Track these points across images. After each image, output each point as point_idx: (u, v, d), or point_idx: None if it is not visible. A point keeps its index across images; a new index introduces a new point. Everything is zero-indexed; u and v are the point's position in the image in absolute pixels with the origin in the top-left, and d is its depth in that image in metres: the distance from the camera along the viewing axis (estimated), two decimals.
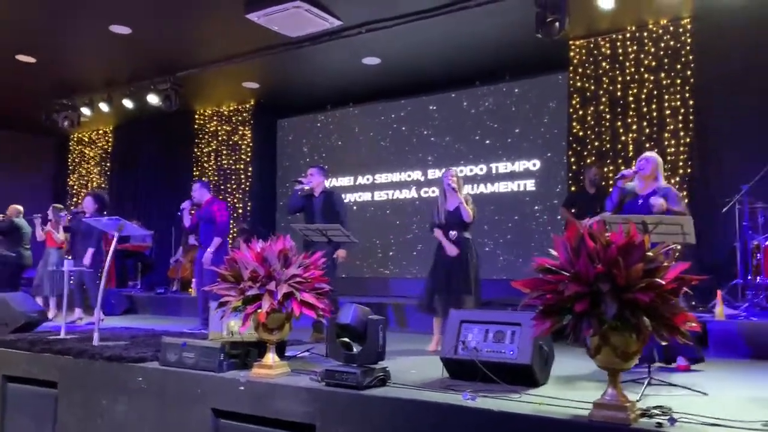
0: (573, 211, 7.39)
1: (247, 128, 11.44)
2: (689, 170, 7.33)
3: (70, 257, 7.15)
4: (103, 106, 10.63)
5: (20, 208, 9.07)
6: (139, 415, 4.19)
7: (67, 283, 6.09)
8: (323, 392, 3.50)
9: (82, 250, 7.52)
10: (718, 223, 6.82)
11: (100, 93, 10.58)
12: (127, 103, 10.40)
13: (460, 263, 5.47)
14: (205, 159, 11.80)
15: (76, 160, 14.01)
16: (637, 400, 3.10)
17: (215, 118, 11.78)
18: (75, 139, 14.01)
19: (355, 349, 3.62)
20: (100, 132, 13.56)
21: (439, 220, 5.66)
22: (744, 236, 6.32)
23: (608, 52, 8.01)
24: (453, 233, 5.54)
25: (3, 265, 8.66)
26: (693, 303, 6.06)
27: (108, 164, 13.46)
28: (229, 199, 11.24)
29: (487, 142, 9.55)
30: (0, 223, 8.93)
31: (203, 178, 11.43)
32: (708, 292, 6.07)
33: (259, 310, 3.75)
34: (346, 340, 3.64)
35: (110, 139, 13.46)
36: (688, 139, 7.39)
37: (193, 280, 8.70)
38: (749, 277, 6.18)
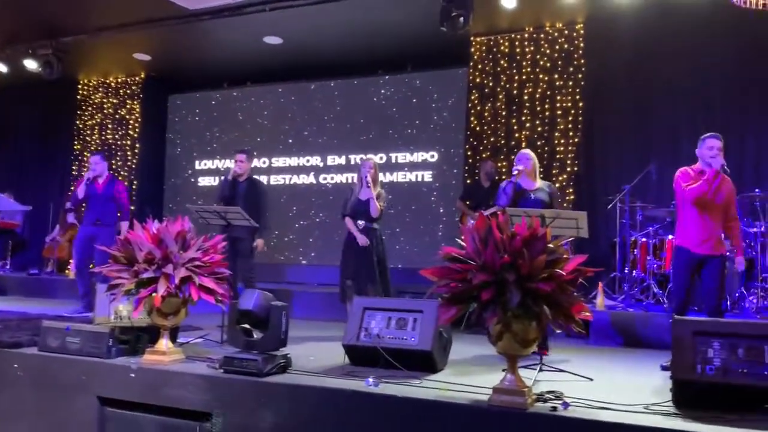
0: (468, 203, 7.61)
1: (135, 102, 10.82)
2: (576, 168, 7.74)
3: None
4: None
5: None
6: (14, 406, 3.87)
7: None
8: (221, 379, 3.39)
9: None
10: (600, 220, 7.27)
11: None
12: (1, 67, 9.53)
13: (365, 253, 5.55)
14: (88, 132, 11.05)
15: None
16: (531, 386, 3.24)
17: (101, 89, 11.05)
18: None
19: (255, 335, 3.53)
20: None
21: (349, 208, 5.69)
22: (623, 232, 6.76)
23: (507, 50, 8.27)
24: (361, 223, 5.62)
25: None
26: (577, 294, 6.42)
27: None
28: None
29: (388, 131, 9.61)
30: None
31: (86, 153, 10.74)
32: (589, 283, 6.45)
33: (153, 294, 3.56)
34: (247, 326, 3.54)
35: None
36: (576, 139, 7.80)
37: (71, 261, 8.15)
38: (626, 271, 6.63)
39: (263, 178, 10.23)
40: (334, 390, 3.16)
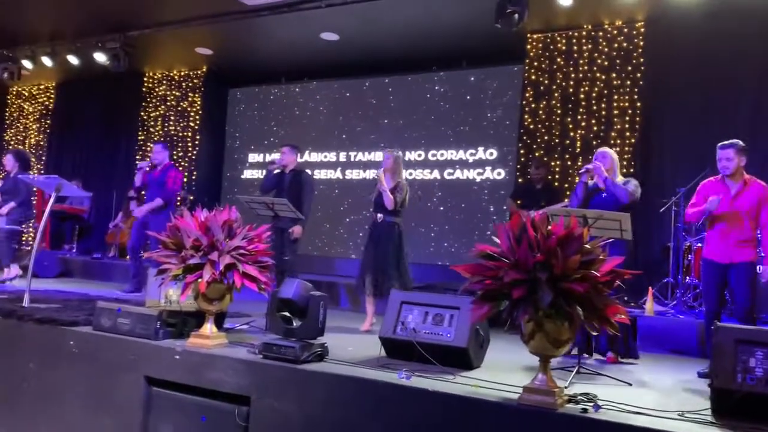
0: (518, 202, 7.53)
1: (197, 95, 11.17)
2: (632, 170, 7.55)
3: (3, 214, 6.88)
4: (47, 60, 10.20)
5: None
6: (69, 380, 4.08)
7: None
8: (260, 365, 3.49)
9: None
10: (654, 223, 7.08)
11: (44, 46, 10.13)
12: (73, 60, 10.01)
13: (384, 245, 5.52)
14: (152, 123, 11.47)
15: (14, 114, 13.40)
16: (565, 387, 3.22)
17: (165, 82, 11.45)
18: (14, 92, 13.39)
19: (294, 324, 3.62)
20: (42, 87, 13.00)
21: (372, 202, 5.73)
22: (678, 237, 6.57)
23: (564, 48, 8.14)
24: (380, 216, 5.59)
25: None
26: (625, 298, 6.29)
27: (48, 121, 12.92)
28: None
29: (440, 128, 9.61)
30: None
31: (149, 143, 11.15)
32: (640, 288, 6.32)
33: (199, 280, 3.70)
34: (287, 314, 3.64)
35: (52, 96, 12.92)
36: (633, 140, 7.61)
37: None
38: (679, 277, 6.44)
39: (316, 172, 10.42)
40: (366, 380, 3.22)
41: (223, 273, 3.69)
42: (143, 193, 7.70)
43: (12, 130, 13.35)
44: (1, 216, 6.93)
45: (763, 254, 5.02)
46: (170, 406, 3.75)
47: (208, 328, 3.88)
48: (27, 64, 10.41)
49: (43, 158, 12.76)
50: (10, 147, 13.15)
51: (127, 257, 9.84)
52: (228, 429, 3.49)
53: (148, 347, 3.87)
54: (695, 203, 4.67)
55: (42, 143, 12.85)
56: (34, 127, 13.08)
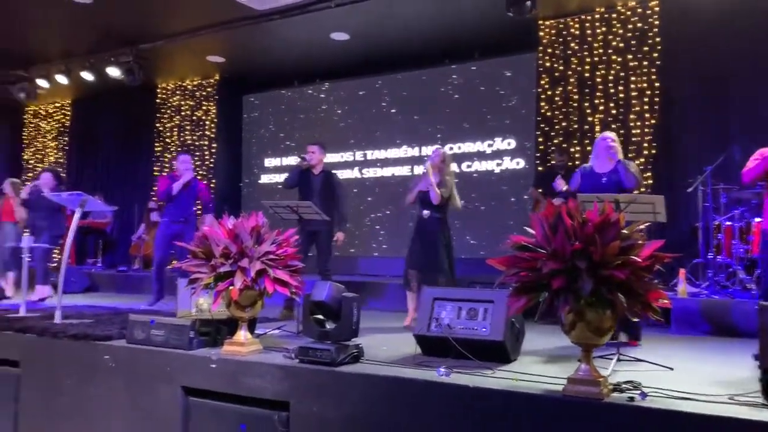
0: (540, 191, 7.46)
1: (211, 103, 11.21)
2: (653, 151, 7.45)
3: (28, 233, 6.93)
4: (61, 79, 10.30)
5: None
6: (106, 394, 4.10)
7: (25, 260, 5.89)
8: (297, 369, 3.47)
9: (43, 227, 7.27)
10: (681, 203, 6.97)
11: (58, 65, 10.22)
12: (87, 76, 10.08)
13: (430, 241, 5.54)
14: (168, 134, 11.54)
15: (32, 134, 13.55)
16: (608, 376, 3.16)
17: (178, 92, 11.51)
18: (30, 112, 13.54)
19: (328, 326, 3.60)
20: (58, 105, 13.13)
21: (417, 198, 5.70)
22: (706, 217, 6.46)
23: (577, 32, 8.05)
24: (426, 212, 5.61)
25: None
26: (655, 281, 6.19)
27: (66, 139, 13.05)
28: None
29: (456, 121, 9.55)
30: None
31: (166, 154, 11.21)
32: (670, 270, 6.21)
33: (231, 287, 3.69)
34: (320, 317, 3.62)
35: (68, 113, 13.05)
36: (653, 121, 7.50)
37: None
38: (710, 257, 6.33)
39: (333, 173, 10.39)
40: (405, 379, 3.19)
41: (254, 279, 3.68)
42: (161, 204, 7.72)
43: (30, 150, 13.51)
44: (31, 236, 6.98)
45: None
46: (209, 415, 3.75)
47: (242, 335, 3.87)
48: (42, 83, 10.52)
49: (63, 175, 12.88)
50: (29, 166, 13.32)
51: (151, 269, 9.95)
52: None
53: (184, 357, 3.86)
54: (756, 159, 4.34)
55: (61, 160, 12.98)
56: (52, 145, 13.22)
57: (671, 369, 3.62)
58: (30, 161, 13.44)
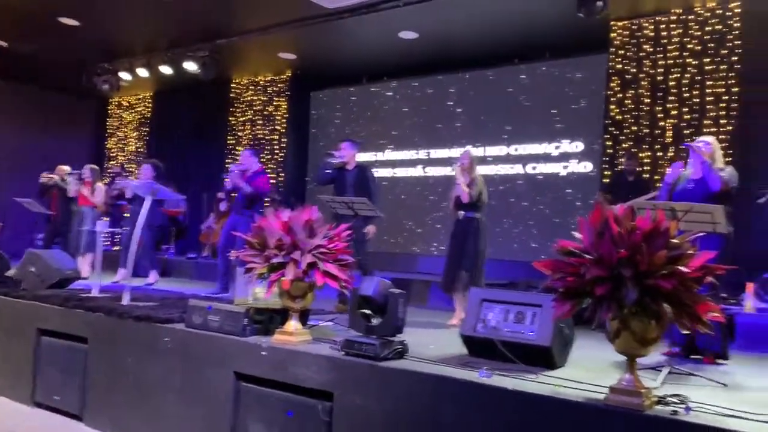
0: (608, 197, 7.28)
1: (282, 99, 11.50)
2: (730, 159, 7.13)
3: (106, 219, 7.33)
4: (142, 72, 10.79)
5: (67, 168, 9.22)
6: (163, 374, 4.31)
7: (100, 243, 6.23)
8: (341, 361, 3.55)
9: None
10: (755, 215, 6.65)
11: (140, 58, 10.72)
12: (165, 69, 10.52)
13: (462, 240, 5.64)
14: (240, 128, 11.92)
15: (115, 124, 14.28)
16: (656, 387, 3.09)
17: (251, 87, 11.86)
18: (115, 103, 14.26)
19: (374, 321, 3.66)
20: (140, 97, 13.77)
21: (453, 202, 5.81)
22: None
23: (651, 34, 7.80)
24: (461, 213, 5.69)
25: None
26: (723, 295, 5.95)
27: (146, 129, 13.68)
28: None
29: (522, 121, 9.43)
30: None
31: (238, 147, 11.57)
32: (739, 284, 5.96)
33: (282, 278, 3.80)
34: (367, 311, 3.68)
35: (149, 105, 13.67)
36: (729, 127, 7.20)
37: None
38: None
39: (397, 171, 10.49)
40: (445, 378, 3.21)
41: (305, 271, 3.78)
42: (233, 195, 7.99)
43: (113, 139, 14.22)
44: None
45: None
46: (257, 400, 3.88)
47: (293, 325, 3.98)
48: (125, 75, 11.05)
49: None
50: (111, 154, 14.04)
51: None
52: (312, 423, 3.58)
53: (237, 343, 4.01)
54: None
55: (141, 150, 13.61)
56: (133, 135, 13.88)
57: (725, 385, 3.49)
58: (112, 150, 14.17)
